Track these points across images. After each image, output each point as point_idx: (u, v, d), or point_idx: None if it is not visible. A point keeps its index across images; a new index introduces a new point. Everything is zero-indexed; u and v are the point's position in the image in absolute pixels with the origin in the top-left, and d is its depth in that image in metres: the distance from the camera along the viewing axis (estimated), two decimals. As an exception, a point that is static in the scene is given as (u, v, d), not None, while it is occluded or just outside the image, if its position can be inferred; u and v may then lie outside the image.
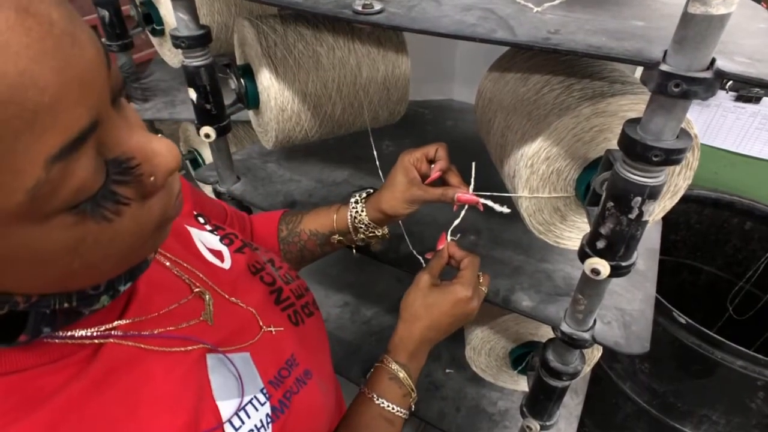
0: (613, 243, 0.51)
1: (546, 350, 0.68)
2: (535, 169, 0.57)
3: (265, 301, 0.52)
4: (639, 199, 0.46)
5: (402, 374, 0.56)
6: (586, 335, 0.61)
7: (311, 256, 0.72)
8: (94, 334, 0.35)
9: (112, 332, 0.36)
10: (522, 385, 0.93)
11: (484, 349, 0.85)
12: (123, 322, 0.37)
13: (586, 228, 0.66)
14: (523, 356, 0.81)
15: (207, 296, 0.45)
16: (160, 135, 0.32)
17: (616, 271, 0.52)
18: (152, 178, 0.29)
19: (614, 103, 0.53)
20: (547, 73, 0.63)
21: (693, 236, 1.35)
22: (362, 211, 0.65)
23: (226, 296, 0.47)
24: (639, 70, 1.13)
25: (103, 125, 0.26)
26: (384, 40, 0.80)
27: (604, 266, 0.52)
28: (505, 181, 0.66)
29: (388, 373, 0.57)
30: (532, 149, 0.56)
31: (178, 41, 0.71)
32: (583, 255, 0.54)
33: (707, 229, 1.33)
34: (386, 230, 0.67)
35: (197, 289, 0.45)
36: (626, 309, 0.65)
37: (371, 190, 0.67)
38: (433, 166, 0.62)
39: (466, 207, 0.61)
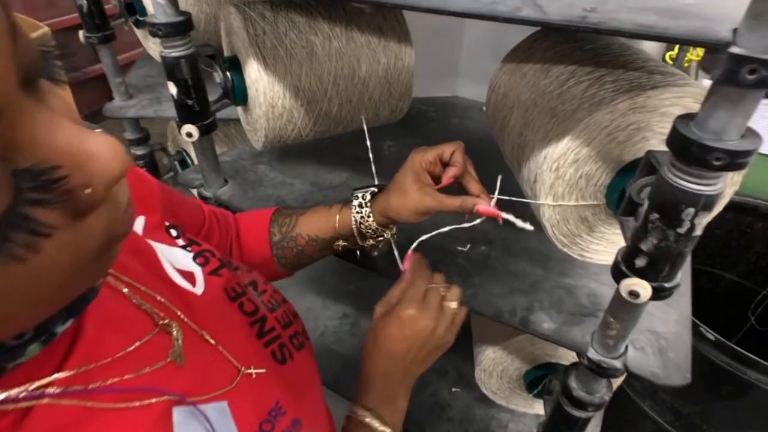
0: (656, 261, 0.43)
1: (568, 376, 0.60)
2: (561, 174, 0.50)
3: (246, 335, 0.44)
4: (691, 210, 0.39)
5: (372, 420, 0.50)
6: (617, 363, 0.53)
7: (309, 260, 0.65)
8: (21, 395, 0.26)
9: (47, 390, 0.27)
10: (536, 408, 0.85)
11: (495, 371, 0.78)
12: (62, 375, 0.28)
13: (616, 240, 0.59)
14: (539, 379, 0.74)
15: (175, 330, 0.37)
16: (99, 130, 0.24)
17: (659, 294, 0.45)
18: (88, 191, 0.21)
19: (655, 96, 0.45)
20: (572, 63, 0.55)
21: (713, 242, 1.27)
22: (369, 216, 0.57)
23: (198, 329, 0.39)
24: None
25: (8, 119, 0.18)
26: (386, 28, 0.72)
27: (644, 288, 0.44)
28: (523, 185, 0.58)
29: (355, 422, 0.50)
30: (558, 150, 0.49)
31: (155, 28, 0.63)
32: (618, 274, 0.46)
33: (728, 234, 1.25)
34: (394, 230, 0.60)
35: (162, 322, 0.37)
36: (660, 332, 0.58)
37: (375, 189, 0.59)
38: (446, 169, 0.54)
39: (482, 219, 0.53)
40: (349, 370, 0.99)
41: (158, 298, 0.38)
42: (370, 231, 0.58)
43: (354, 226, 0.58)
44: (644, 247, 0.43)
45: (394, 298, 0.55)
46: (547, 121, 0.53)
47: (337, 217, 0.59)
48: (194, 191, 0.82)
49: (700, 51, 2.11)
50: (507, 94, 0.63)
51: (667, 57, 1.47)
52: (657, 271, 0.44)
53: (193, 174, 0.82)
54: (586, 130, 0.47)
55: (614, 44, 0.56)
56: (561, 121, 0.50)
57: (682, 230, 0.40)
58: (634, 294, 0.45)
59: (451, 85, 1.22)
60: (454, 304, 0.55)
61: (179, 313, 0.39)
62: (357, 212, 0.58)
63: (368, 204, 0.58)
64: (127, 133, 1.14)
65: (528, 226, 0.49)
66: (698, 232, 0.40)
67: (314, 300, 1.14)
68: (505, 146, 0.64)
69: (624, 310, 0.49)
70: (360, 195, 0.58)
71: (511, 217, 0.50)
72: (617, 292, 0.48)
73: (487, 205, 0.52)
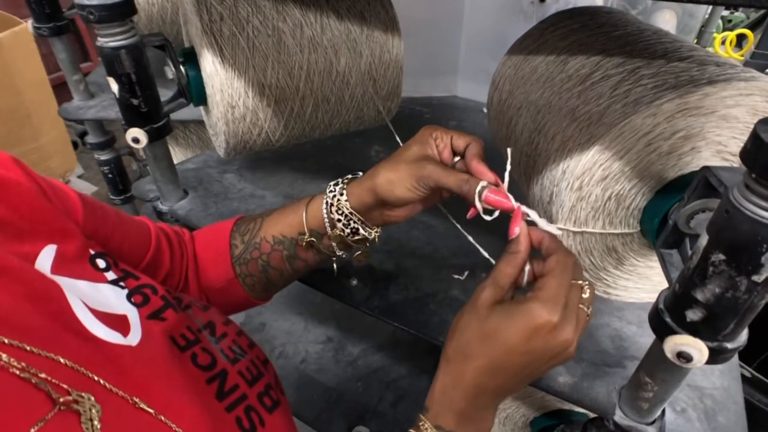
0: (716, 315, 0.32)
1: (587, 436, 0.49)
2: (585, 194, 0.39)
3: (201, 397, 0.33)
4: (777, 252, 0.28)
5: None
6: (652, 430, 0.42)
7: (279, 277, 0.51)
8: None
9: None
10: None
11: (498, 418, 0.67)
12: None
13: (650, 275, 0.48)
14: (549, 429, 0.63)
15: (88, 404, 0.26)
16: None
17: (717, 357, 0.34)
18: None
19: (713, 94, 0.34)
20: (596, 53, 0.44)
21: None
22: (342, 194, 0.45)
23: (128, 397, 0.29)
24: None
25: None
26: (369, 14, 0.61)
27: (699, 350, 0.34)
28: (535, 205, 0.47)
29: None
30: (582, 165, 0.38)
31: (85, 12, 0.52)
32: (661, 327, 0.35)
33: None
34: (378, 231, 0.47)
35: (65, 398, 0.26)
36: (704, 387, 0.47)
37: (360, 174, 0.47)
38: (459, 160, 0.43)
39: (493, 217, 0.39)
40: (330, 403, 0.88)
41: (62, 360, 0.28)
42: (342, 218, 0.46)
43: (324, 212, 0.46)
44: (700, 296, 0.32)
45: (506, 279, 0.37)
46: (565, 126, 0.41)
47: (306, 208, 0.47)
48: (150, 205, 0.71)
49: (718, 45, 1.99)
50: (513, 92, 0.52)
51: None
52: (717, 328, 0.33)
53: (148, 185, 0.71)
54: (618, 138, 0.36)
55: (649, 30, 0.45)
56: (584, 126, 0.39)
57: (758, 278, 0.29)
58: (684, 357, 0.34)
59: (448, 84, 1.13)
60: (589, 310, 0.38)
61: (97, 377, 0.28)
62: (330, 191, 0.46)
63: (345, 182, 0.46)
64: (90, 136, 1.03)
65: (554, 230, 0.35)
66: (780, 280, 0.30)
67: (295, 322, 1.03)
68: (511, 156, 0.53)
69: (665, 370, 0.38)
70: (339, 180, 0.47)
71: (533, 214, 0.36)
72: (657, 347, 0.37)
73: (498, 193, 0.38)
